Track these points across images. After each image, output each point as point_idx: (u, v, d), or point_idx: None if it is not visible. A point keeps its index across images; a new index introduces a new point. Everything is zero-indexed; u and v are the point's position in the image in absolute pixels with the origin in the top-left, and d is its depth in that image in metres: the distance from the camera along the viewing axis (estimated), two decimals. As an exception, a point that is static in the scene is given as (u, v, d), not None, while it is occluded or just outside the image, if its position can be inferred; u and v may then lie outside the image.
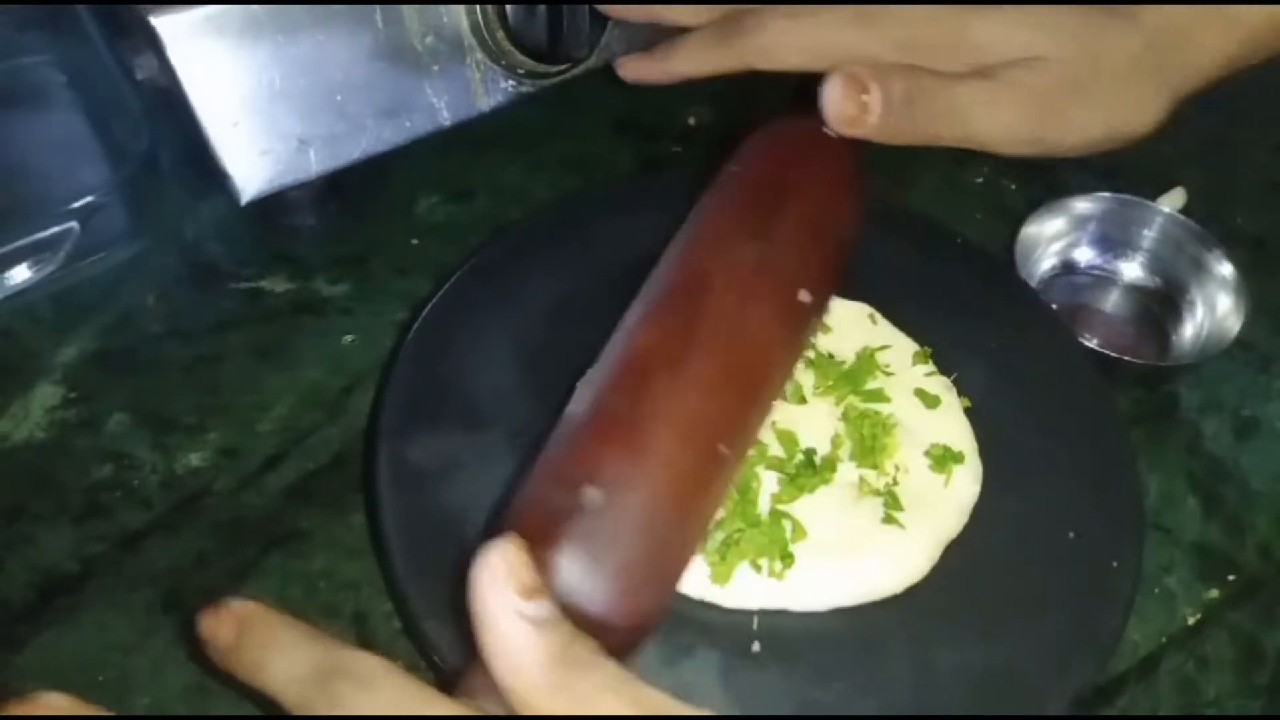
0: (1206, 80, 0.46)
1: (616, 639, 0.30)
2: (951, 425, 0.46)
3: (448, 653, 0.38)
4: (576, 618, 0.29)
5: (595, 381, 0.36)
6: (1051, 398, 0.47)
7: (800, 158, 0.42)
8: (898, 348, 0.48)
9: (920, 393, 0.46)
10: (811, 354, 0.47)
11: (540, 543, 0.30)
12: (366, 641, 0.43)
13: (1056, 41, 0.43)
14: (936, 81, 0.43)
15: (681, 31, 0.50)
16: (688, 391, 0.34)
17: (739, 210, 0.40)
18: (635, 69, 0.53)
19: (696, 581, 0.40)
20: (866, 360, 0.47)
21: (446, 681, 0.33)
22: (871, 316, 0.50)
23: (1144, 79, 0.44)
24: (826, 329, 0.48)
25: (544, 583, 0.29)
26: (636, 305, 0.39)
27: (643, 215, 0.52)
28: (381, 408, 0.45)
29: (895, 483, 0.43)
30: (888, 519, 0.42)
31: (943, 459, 0.44)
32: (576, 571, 0.30)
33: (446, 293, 0.49)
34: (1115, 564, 0.42)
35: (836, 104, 0.41)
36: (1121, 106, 0.44)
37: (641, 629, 0.32)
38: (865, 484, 0.43)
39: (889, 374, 0.47)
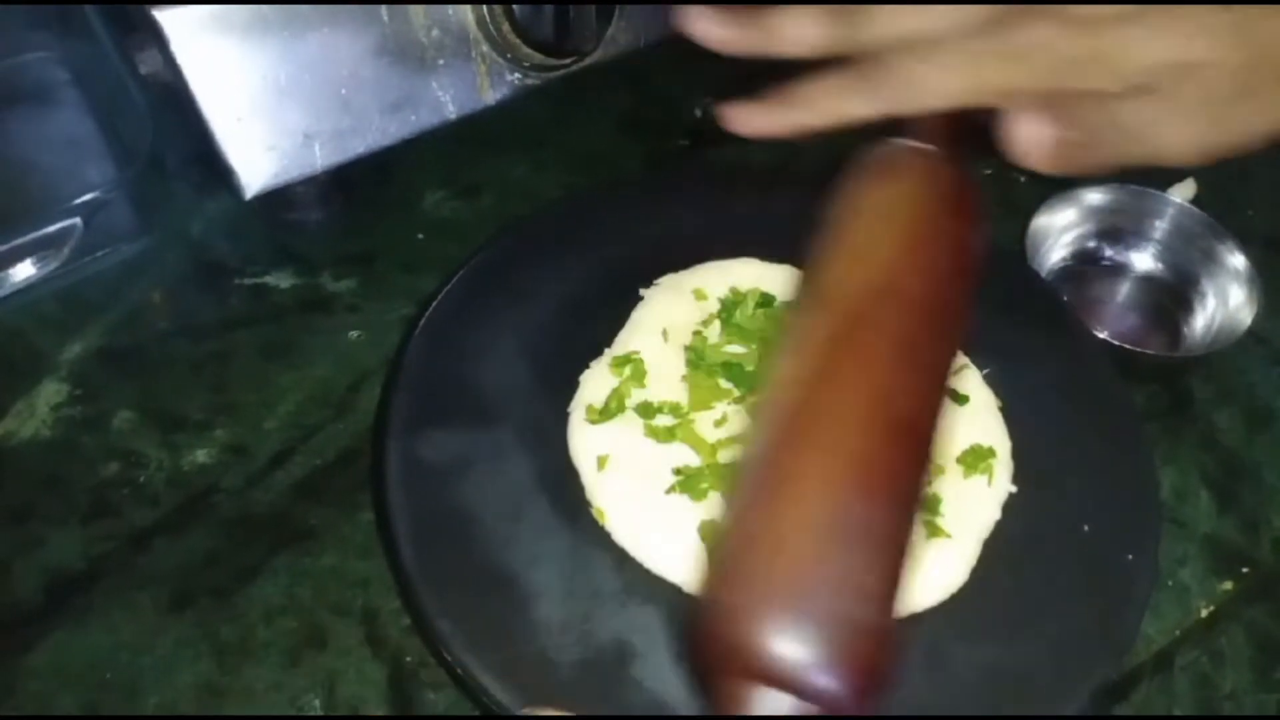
0: None
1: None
2: (985, 423, 0.45)
3: (458, 650, 0.37)
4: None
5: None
6: (1067, 392, 0.47)
7: (945, 194, 0.41)
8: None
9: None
10: None
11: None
12: (375, 638, 0.43)
13: (1213, 45, 0.42)
14: (1108, 107, 0.42)
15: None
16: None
17: (890, 247, 0.39)
18: (753, 122, 0.46)
19: None
20: None
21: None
22: None
23: None
24: None
25: None
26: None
27: (651, 211, 0.52)
28: (390, 404, 0.44)
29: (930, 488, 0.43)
30: (932, 530, 0.41)
31: (974, 460, 0.43)
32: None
33: (453, 288, 0.48)
34: (1131, 557, 0.41)
35: (1025, 143, 0.41)
36: None
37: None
38: None
39: None
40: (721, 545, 0.32)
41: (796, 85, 0.44)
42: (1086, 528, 0.42)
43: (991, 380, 0.47)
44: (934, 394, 0.35)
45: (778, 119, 0.45)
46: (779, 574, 0.30)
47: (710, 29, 0.46)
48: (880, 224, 0.39)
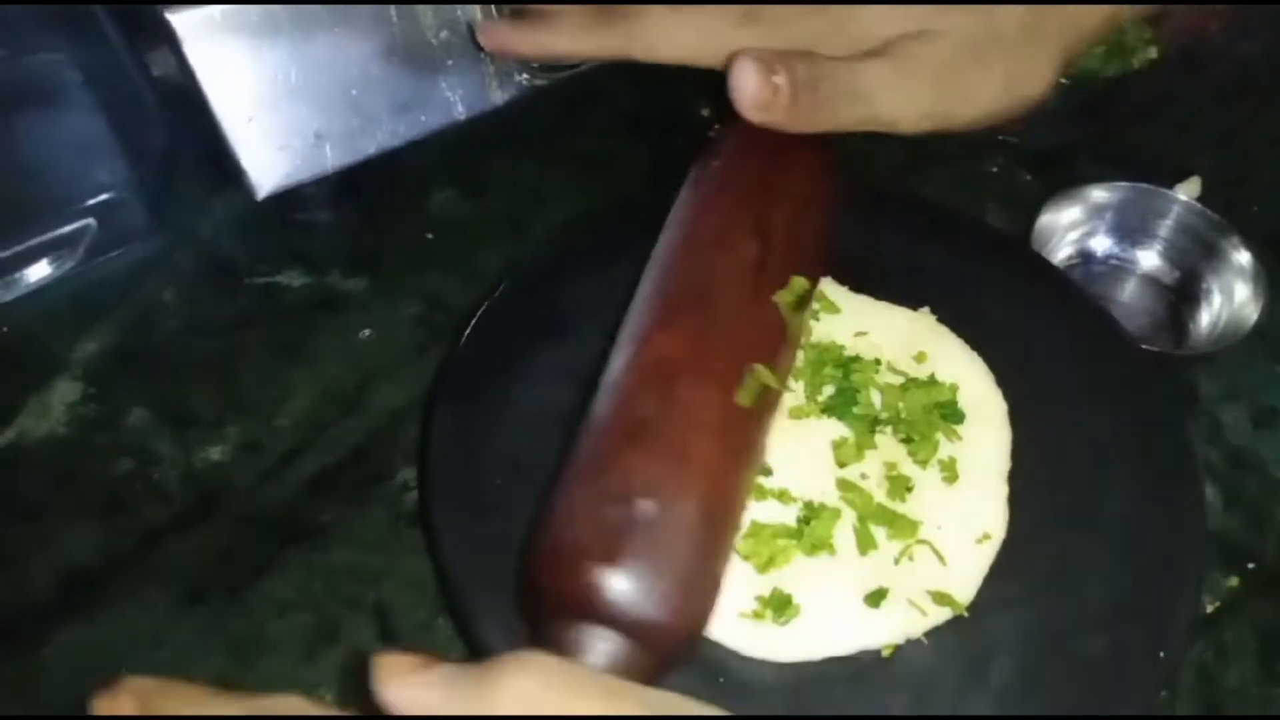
0: (1093, 37, 0.46)
1: (677, 646, 0.32)
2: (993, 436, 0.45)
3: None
4: (641, 629, 0.31)
5: (618, 389, 0.36)
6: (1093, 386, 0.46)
7: (780, 149, 0.43)
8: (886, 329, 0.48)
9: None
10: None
11: (598, 558, 0.32)
12: (390, 633, 0.44)
13: (944, 14, 0.42)
14: (836, 64, 0.42)
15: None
16: (714, 396, 0.35)
17: (731, 207, 0.41)
18: (499, 39, 0.48)
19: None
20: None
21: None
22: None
23: (1035, 42, 0.44)
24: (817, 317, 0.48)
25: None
26: (643, 307, 0.39)
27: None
28: (433, 422, 0.44)
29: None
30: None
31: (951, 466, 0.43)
32: (640, 583, 0.31)
33: (495, 304, 0.48)
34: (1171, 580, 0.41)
35: (749, 88, 0.41)
36: (1017, 72, 0.44)
37: (697, 635, 0.34)
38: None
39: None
40: (560, 497, 0.34)
41: (549, 9, 0.46)
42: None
43: (1013, 366, 0.47)
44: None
45: (529, 40, 0.47)
46: (614, 525, 0.32)
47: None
48: (729, 189, 0.42)
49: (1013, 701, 0.37)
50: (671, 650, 0.32)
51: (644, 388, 0.36)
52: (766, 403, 0.38)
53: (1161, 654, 0.38)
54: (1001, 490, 0.43)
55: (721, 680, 0.37)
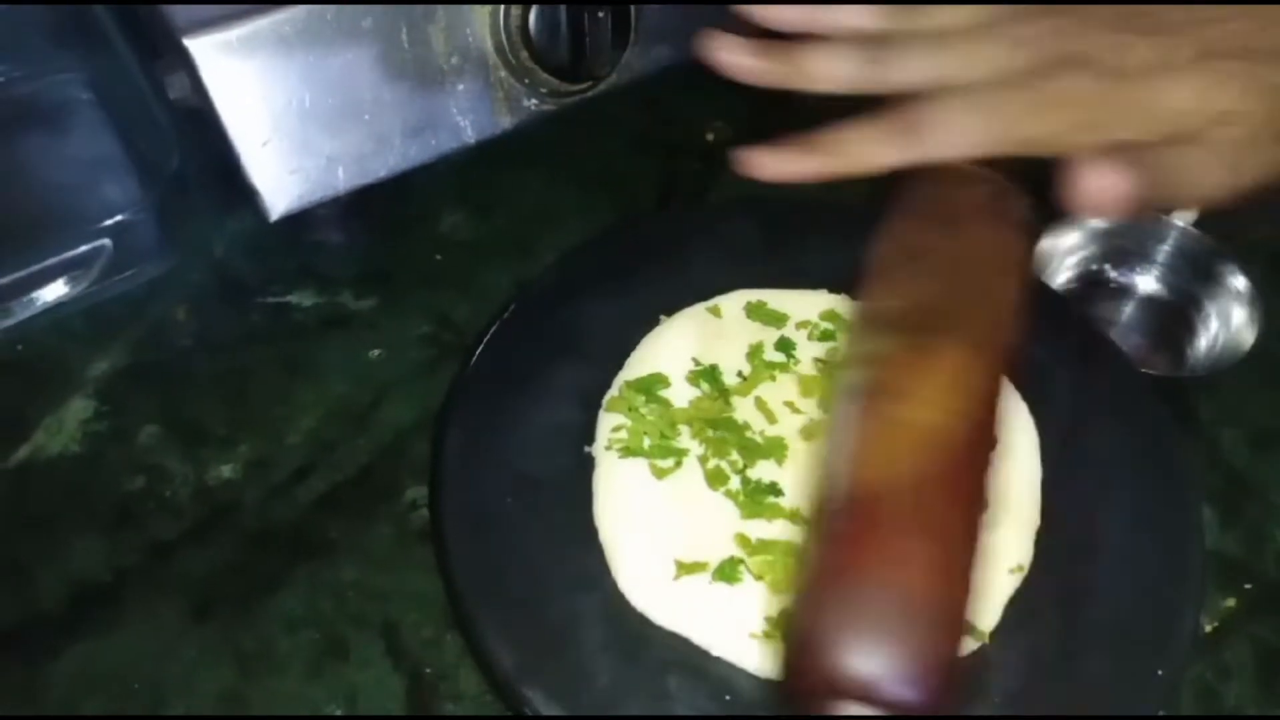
0: None
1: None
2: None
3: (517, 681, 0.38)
4: (891, 703, 0.31)
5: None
6: (1098, 410, 0.47)
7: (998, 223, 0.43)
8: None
9: None
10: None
11: (847, 641, 0.32)
12: (398, 650, 0.44)
13: (1241, 95, 0.43)
14: (1156, 159, 0.43)
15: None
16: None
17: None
18: (775, 167, 0.45)
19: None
20: None
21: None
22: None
23: None
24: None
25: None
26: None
27: (688, 252, 0.52)
28: (444, 444, 0.44)
29: None
30: None
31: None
32: (886, 660, 0.31)
33: (505, 324, 0.48)
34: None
35: (1093, 195, 0.40)
36: None
37: (945, 700, 0.33)
38: None
39: None
40: (805, 582, 0.34)
41: (824, 131, 0.45)
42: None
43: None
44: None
45: (801, 165, 0.44)
46: (854, 599, 0.32)
47: (739, 60, 0.46)
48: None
49: (1012, 716, 0.37)
50: (920, 708, 0.32)
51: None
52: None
53: (1160, 672, 0.38)
54: (1033, 522, 0.43)
55: (728, 698, 0.38)
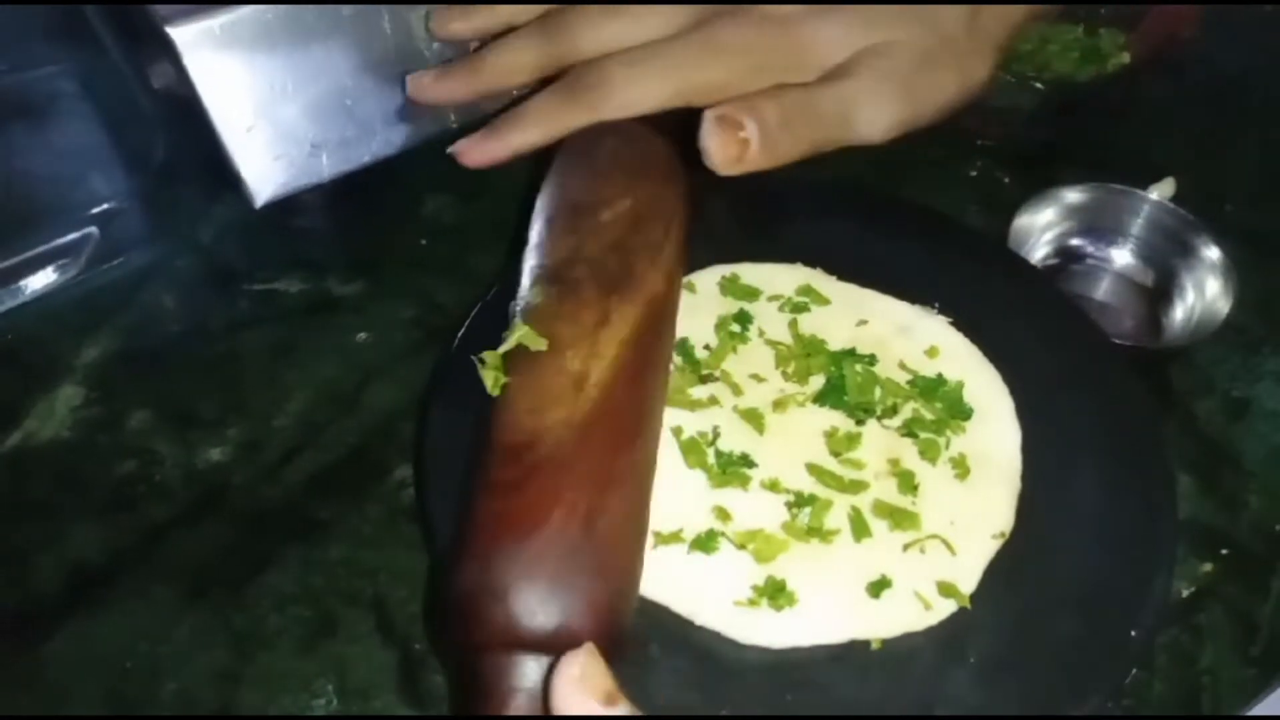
0: (1019, 28, 0.49)
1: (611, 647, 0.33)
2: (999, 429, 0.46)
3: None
4: (556, 644, 0.32)
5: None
6: (1075, 383, 0.48)
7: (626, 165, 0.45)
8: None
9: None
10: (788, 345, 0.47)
11: (494, 593, 0.33)
12: (385, 625, 0.45)
13: (897, 24, 0.44)
14: (803, 94, 0.44)
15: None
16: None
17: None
18: (478, 152, 0.49)
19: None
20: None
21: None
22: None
23: (975, 38, 0.47)
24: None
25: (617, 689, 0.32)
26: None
27: None
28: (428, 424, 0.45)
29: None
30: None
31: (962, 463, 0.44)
32: (539, 604, 0.33)
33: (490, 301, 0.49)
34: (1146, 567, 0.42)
35: (719, 149, 0.42)
36: (964, 66, 0.47)
37: (617, 635, 0.35)
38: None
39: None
40: (475, 526, 0.35)
41: (516, 108, 0.47)
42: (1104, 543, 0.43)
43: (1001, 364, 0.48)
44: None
45: (505, 143, 0.48)
46: (513, 548, 0.34)
47: (432, 90, 0.49)
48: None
49: (989, 679, 0.38)
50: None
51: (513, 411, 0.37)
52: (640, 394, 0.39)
53: (1133, 633, 0.39)
54: (1014, 488, 0.44)
55: (707, 662, 0.38)
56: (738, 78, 0.44)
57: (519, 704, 0.32)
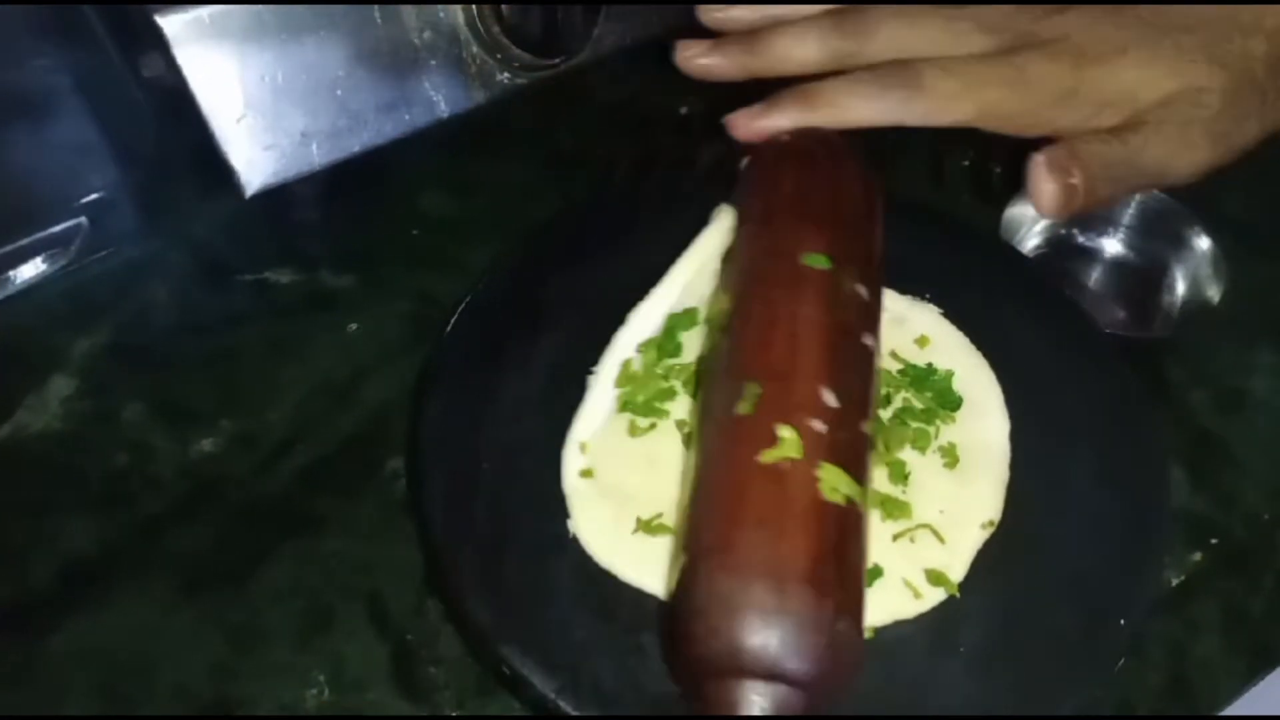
0: None
1: (828, 683, 0.33)
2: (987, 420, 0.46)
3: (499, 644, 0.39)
4: (789, 675, 0.32)
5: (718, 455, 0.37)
6: (1067, 373, 0.48)
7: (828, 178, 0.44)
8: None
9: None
10: None
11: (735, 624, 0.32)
12: (382, 619, 0.45)
13: (1205, 72, 0.44)
14: (1122, 144, 0.43)
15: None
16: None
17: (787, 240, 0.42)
18: (756, 125, 0.46)
19: None
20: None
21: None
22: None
23: (1277, 77, 0.45)
24: None
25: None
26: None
27: (663, 222, 0.52)
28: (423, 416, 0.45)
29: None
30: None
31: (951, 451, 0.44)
32: (780, 636, 0.32)
33: (480, 295, 0.49)
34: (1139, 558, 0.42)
35: (1051, 195, 0.43)
36: (1270, 106, 0.45)
37: (847, 667, 0.34)
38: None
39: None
40: (691, 554, 0.34)
41: (803, 88, 0.46)
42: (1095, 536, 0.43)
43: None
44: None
45: (790, 118, 0.46)
46: (749, 574, 0.32)
47: (707, 62, 0.47)
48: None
49: (979, 667, 0.38)
50: (825, 687, 0.33)
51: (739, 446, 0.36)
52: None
53: (1122, 622, 0.39)
54: (1003, 477, 0.44)
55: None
56: (1043, 109, 0.44)
57: None
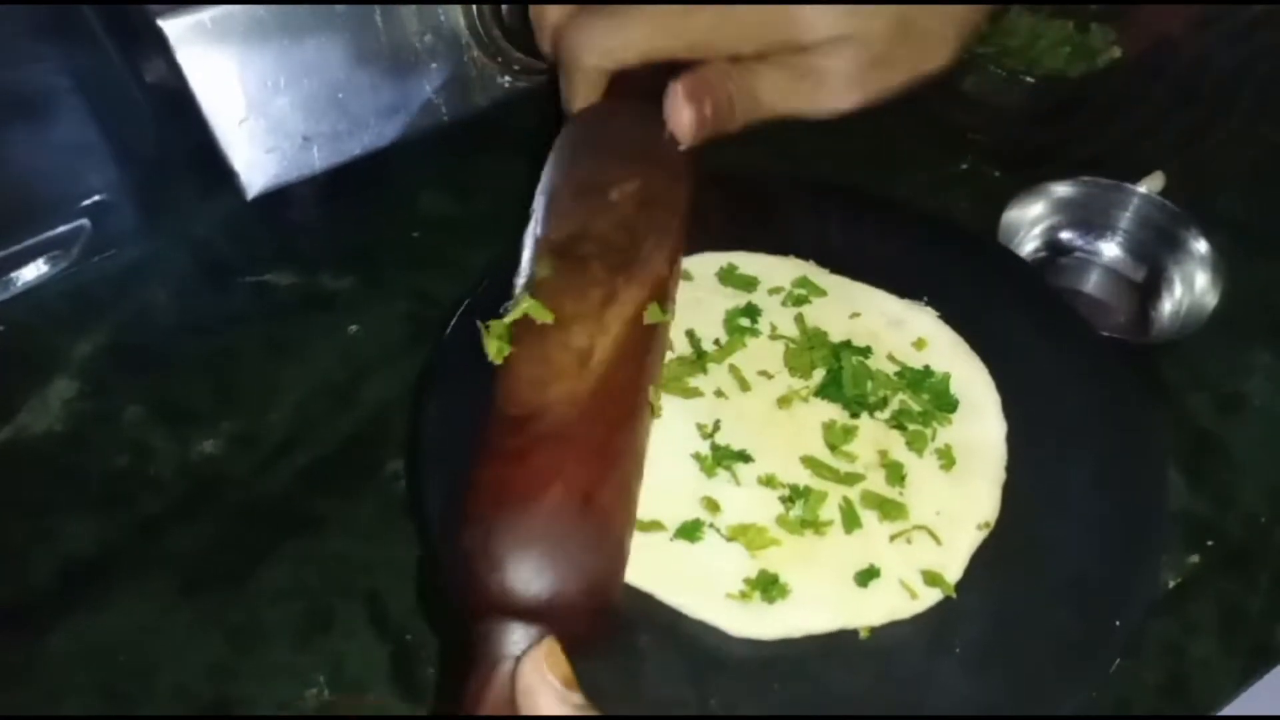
0: (986, 12, 0.50)
1: (582, 620, 0.34)
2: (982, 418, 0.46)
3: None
4: (541, 614, 0.33)
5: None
6: (1066, 375, 0.48)
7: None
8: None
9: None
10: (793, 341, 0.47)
11: (484, 561, 0.34)
12: (379, 619, 0.45)
13: (874, 15, 0.45)
14: (759, 79, 0.45)
15: None
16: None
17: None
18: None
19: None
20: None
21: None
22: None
23: (941, 22, 0.47)
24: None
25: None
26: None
27: None
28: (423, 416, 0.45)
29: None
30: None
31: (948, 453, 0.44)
32: (527, 573, 0.34)
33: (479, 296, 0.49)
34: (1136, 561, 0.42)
35: (685, 121, 0.44)
36: (925, 55, 0.48)
37: (602, 607, 0.35)
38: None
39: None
40: (475, 492, 0.35)
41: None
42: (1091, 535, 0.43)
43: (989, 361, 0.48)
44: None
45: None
46: (512, 517, 0.34)
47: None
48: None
49: (975, 668, 0.39)
50: (582, 624, 0.34)
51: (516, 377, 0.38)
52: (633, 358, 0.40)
53: (1118, 623, 0.39)
54: (999, 478, 0.44)
55: (695, 653, 0.39)
56: (721, 37, 0.45)
57: (506, 670, 0.33)
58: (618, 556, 0.37)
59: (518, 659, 0.32)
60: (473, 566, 0.34)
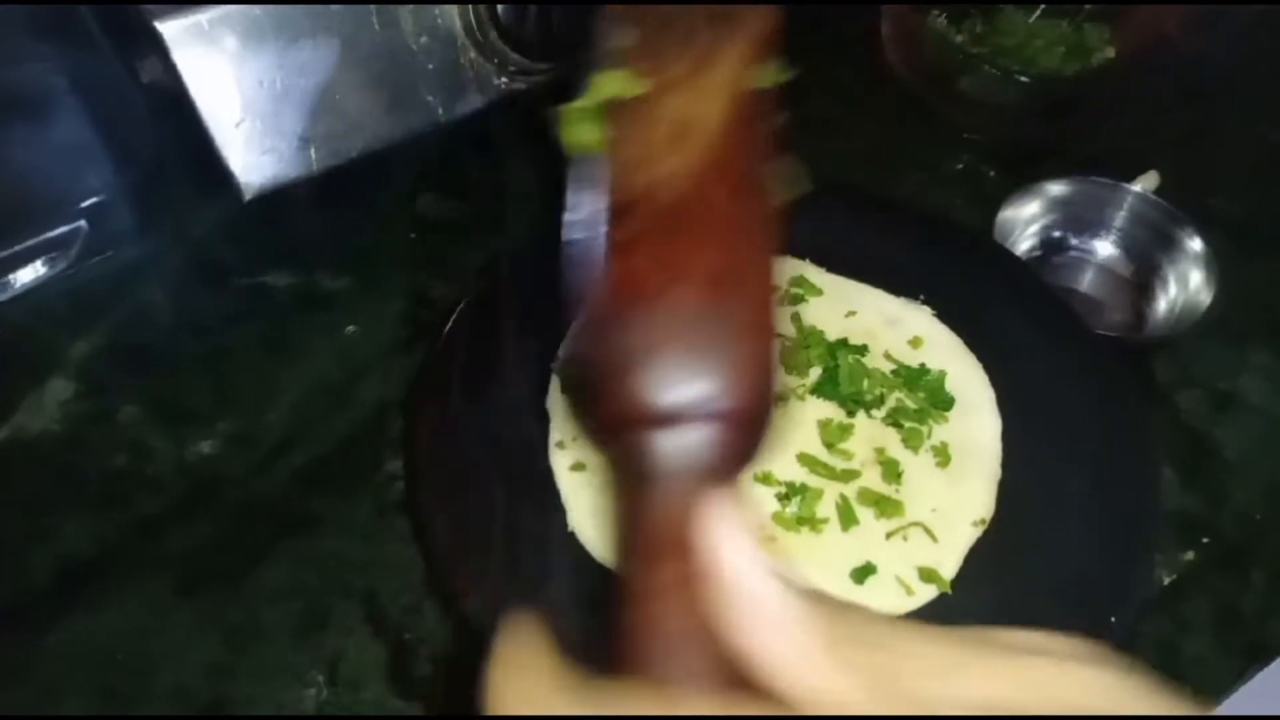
0: None
1: (754, 414, 0.29)
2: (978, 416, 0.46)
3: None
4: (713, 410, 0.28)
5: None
6: (1061, 371, 0.48)
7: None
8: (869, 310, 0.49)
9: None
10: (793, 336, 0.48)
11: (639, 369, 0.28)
12: (376, 618, 0.45)
13: None
14: None
15: None
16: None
17: None
18: None
19: None
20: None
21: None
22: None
23: None
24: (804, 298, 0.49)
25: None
26: None
27: None
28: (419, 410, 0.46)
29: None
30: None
31: (944, 450, 0.45)
32: (685, 371, 0.28)
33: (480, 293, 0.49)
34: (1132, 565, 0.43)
35: None
36: None
37: (766, 401, 0.30)
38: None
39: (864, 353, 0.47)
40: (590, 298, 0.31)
41: None
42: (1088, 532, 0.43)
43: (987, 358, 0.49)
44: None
45: None
46: (652, 318, 0.29)
47: None
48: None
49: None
50: (734, 427, 0.29)
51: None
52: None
53: (1113, 619, 0.40)
54: (995, 475, 0.45)
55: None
56: None
57: (672, 488, 0.27)
58: (765, 340, 0.31)
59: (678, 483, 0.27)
60: (602, 378, 0.29)
